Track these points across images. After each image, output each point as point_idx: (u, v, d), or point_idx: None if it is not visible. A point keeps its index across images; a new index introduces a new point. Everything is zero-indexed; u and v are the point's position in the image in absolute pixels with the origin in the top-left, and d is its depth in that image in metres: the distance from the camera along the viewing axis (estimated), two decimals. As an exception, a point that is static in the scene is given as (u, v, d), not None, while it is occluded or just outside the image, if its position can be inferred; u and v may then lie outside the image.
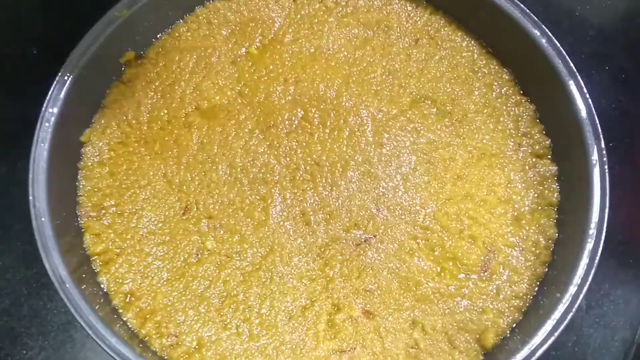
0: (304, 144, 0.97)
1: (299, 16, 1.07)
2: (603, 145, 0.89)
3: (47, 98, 0.89)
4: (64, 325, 0.95)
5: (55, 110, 0.89)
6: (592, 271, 0.82)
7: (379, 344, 0.85)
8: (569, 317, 0.80)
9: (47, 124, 0.88)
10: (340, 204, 0.93)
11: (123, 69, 1.01)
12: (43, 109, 0.89)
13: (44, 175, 0.86)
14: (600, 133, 0.90)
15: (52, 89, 0.90)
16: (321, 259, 0.90)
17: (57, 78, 0.90)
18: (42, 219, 0.83)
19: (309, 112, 0.99)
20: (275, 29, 1.06)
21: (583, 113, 0.91)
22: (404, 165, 0.96)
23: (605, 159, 0.89)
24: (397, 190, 0.94)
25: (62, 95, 0.90)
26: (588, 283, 0.82)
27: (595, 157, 0.89)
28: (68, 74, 0.91)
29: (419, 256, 0.90)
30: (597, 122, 0.90)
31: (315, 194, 0.94)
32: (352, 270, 0.89)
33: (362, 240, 0.91)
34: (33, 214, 0.83)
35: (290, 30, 1.05)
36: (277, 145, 0.97)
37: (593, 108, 0.91)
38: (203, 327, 0.86)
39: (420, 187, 0.94)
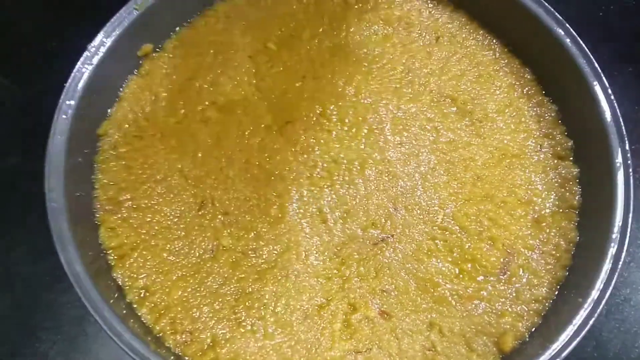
0: (322, 141, 0.96)
1: (318, 12, 1.06)
2: (628, 148, 0.87)
3: (65, 90, 0.88)
4: (78, 320, 0.94)
5: (73, 102, 0.89)
6: (615, 276, 0.81)
7: (395, 345, 0.84)
8: (590, 322, 0.79)
9: (64, 116, 0.88)
10: (357, 203, 0.92)
11: (141, 62, 1.00)
12: (60, 100, 0.88)
13: (60, 168, 0.85)
14: (625, 135, 0.88)
15: (69, 81, 0.89)
16: (338, 258, 0.89)
17: (74, 70, 0.90)
18: (58, 212, 0.83)
19: (327, 109, 0.97)
20: (294, 24, 1.05)
21: (607, 115, 0.89)
22: (423, 164, 0.94)
23: (629, 161, 0.87)
24: (415, 189, 0.93)
25: (79, 87, 0.89)
26: (611, 288, 0.80)
27: (619, 159, 0.87)
28: (86, 67, 0.90)
29: (437, 257, 0.89)
30: (622, 125, 0.88)
31: (333, 192, 0.92)
32: (369, 270, 0.88)
33: (380, 239, 0.90)
34: (49, 206, 0.83)
35: (309, 26, 1.04)
36: (295, 142, 0.95)
37: (618, 111, 0.89)
38: (218, 324, 0.85)
39: (439, 187, 0.93)
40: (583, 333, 0.78)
